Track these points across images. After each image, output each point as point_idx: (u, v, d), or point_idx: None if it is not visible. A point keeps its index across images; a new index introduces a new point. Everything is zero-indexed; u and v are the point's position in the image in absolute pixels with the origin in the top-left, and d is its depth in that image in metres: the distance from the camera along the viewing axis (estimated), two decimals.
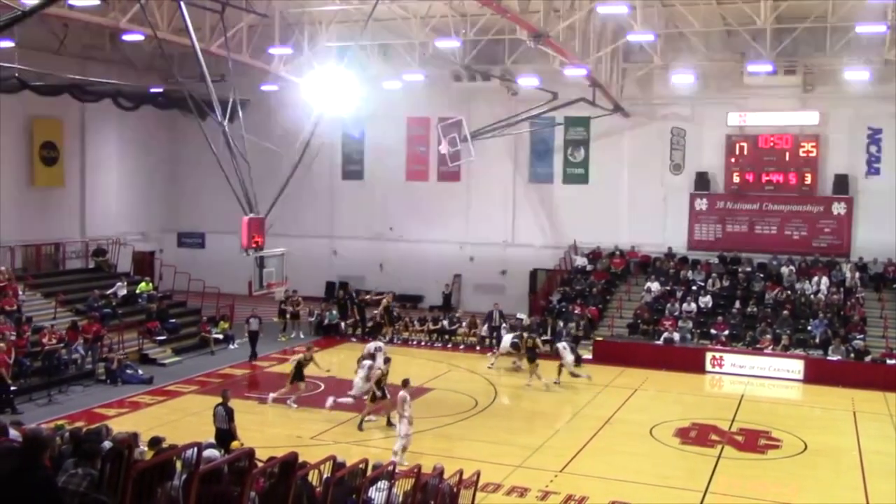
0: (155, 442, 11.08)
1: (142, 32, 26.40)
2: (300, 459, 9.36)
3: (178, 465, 7.65)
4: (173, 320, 29.57)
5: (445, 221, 37.91)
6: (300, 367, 22.11)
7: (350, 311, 32.80)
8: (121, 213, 37.68)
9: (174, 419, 20.28)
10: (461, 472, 13.49)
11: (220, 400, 16.68)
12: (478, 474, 14.30)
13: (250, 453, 7.82)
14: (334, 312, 32.52)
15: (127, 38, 27.72)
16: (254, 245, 19.44)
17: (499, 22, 29.04)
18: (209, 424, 16.28)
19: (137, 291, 30.76)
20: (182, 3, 19.08)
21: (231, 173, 19.24)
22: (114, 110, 33.24)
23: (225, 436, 15.49)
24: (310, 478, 9.19)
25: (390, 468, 11.13)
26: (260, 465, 8.61)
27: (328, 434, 18.92)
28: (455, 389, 23.95)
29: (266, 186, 21.59)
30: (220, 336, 29.66)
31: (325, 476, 9.90)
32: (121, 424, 17.39)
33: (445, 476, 12.84)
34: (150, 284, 31.97)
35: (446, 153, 33.71)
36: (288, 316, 31.81)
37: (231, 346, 29.40)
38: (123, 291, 30.02)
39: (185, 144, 38.28)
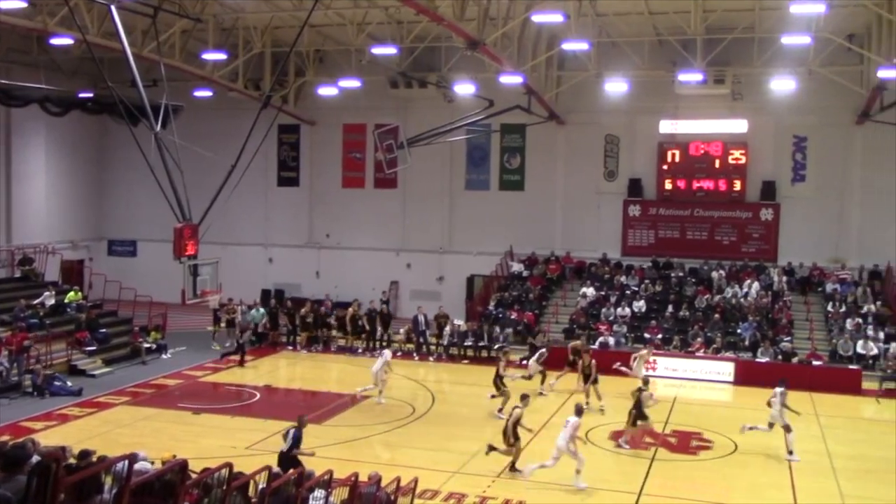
0: (84, 455, 10.80)
1: (71, 36, 25.82)
2: (235, 470, 9.26)
3: (109, 479, 7.48)
4: (103, 330, 28.85)
5: (382, 228, 37.90)
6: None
7: (283, 320, 32.34)
8: (49, 220, 36.76)
9: (104, 431, 19.80)
10: (399, 480, 13.46)
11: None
12: (415, 481, 14.29)
13: (183, 465, 7.70)
14: (260, 311, 31.81)
15: (55, 41, 27.03)
16: (187, 253, 19.15)
17: (435, 29, 29.16)
18: (141, 436, 16.00)
19: (66, 301, 29.95)
20: (113, 8, 18.73)
21: (163, 180, 18.93)
22: (41, 115, 32.34)
23: (283, 459, 15.16)
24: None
25: (326, 477, 11.05)
26: (194, 476, 8.48)
27: (263, 444, 18.68)
28: (392, 396, 23.89)
29: (199, 194, 21.33)
30: (153, 346, 29.08)
31: (260, 486, 9.81)
32: (48, 438, 16.95)
33: (383, 484, 12.79)
34: (80, 293, 31.16)
35: (383, 160, 33.69)
36: (223, 324, 31.35)
37: (164, 356, 28.85)
38: (51, 301, 29.19)
39: (116, 150, 37.61)
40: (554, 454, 16.58)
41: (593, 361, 23.67)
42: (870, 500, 16.43)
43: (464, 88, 32.50)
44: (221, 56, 30.60)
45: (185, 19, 26.69)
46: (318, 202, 39.00)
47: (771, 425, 19.26)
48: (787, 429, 18.73)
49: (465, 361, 29.32)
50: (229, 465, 8.92)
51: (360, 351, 30.31)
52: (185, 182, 19.42)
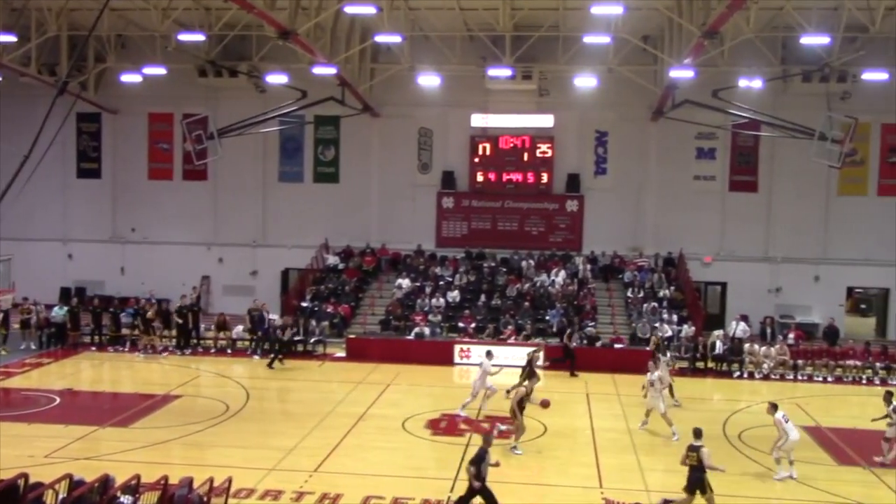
0: None
1: None
2: (32, 480, 8.69)
3: None
4: None
5: (192, 222, 36.71)
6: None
7: (85, 319, 30.59)
8: None
9: None
10: (211, 480, 13.07)
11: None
12: (229, 481, 13.91)
13: None
14: (63, 309, 29.90)
15: None
16: None
17: (245, 17, 28.48)
18: None
19: None
20: None
21: None
22: None
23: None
24: (45, 498, 8.54)
25: (133, 482, 10.57)
26: None
27: (64, 451, 17.62)
28: (204, 395, 23.18)
29: None
30: None
31: (61, 496, 9.26)
32: None
33: (195, 486, 12.39)
34: None
35: (191, 151, 32.52)
36: (17, 325, 29.23)
37: None
38: None
39: None
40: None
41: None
42: (664, 470, 17.55)
43: (276, 79, 31.95)
44: (11, 38, 28.52)
45: None
46: (122, 195, 37.21)
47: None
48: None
49: (281, 356, 28.81)
50: (24, 476, 8.35)
51: (169, 350, 29.11)
52: None
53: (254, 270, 36.67)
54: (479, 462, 13.99)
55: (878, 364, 27.03)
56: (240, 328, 30.03)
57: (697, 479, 14.36)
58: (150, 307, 29.71)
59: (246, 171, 36.33)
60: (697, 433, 15.13)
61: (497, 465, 14.80)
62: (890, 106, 32.22)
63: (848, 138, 28.67)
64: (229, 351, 29.18)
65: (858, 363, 27.33)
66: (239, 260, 36.65)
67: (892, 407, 16.97)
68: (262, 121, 32.96)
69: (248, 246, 36.73)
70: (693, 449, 14.63)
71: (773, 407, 17.23)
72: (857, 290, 37.59)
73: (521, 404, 18.50)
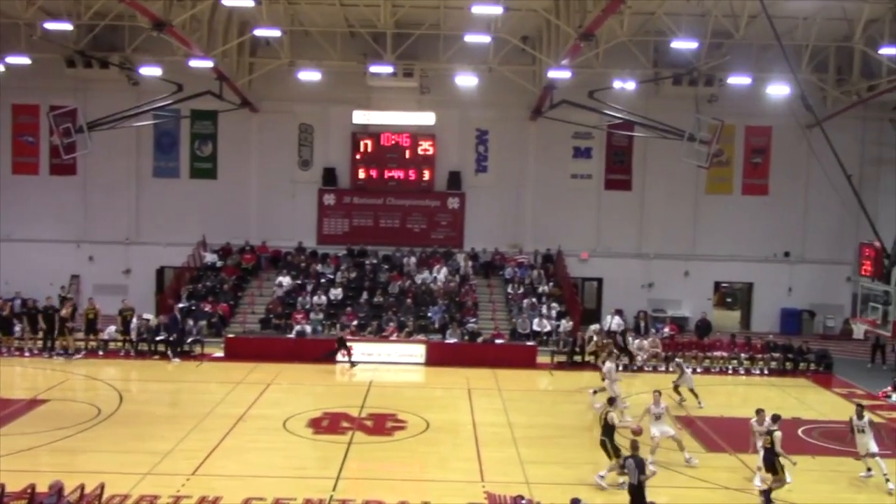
0: None
1: None
2: None
3: None
4: None
5: (60, 218, 35.18)
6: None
7: None
8: None
9: None
10: (83, 487, 12.58)
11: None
12: (102, 487, 13.42)
13: None
14: None
15: None
16: None
17: (117, 6, 27.47)
18: None
19: None
20: None
21: None
22: None
23: (635, 492, 13.91)
24: None
25: None
26: None
27: None
28: (74, 399, 22.26)
29: None
30: None
31: None
32: None
33: (66, 493, 11.89)
34: None
35: (59, 144, 31.12)
36: None
37: None
38: None
39: None
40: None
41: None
42: (544, 462, 17.96)
43: (150, 71, 30.96)
44: None
45: None
46: None
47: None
48: None
49: (157, 357, 27.96)
50: None
51: (34, 353, 27.78)
52: None
53: (127, 269, 35.42)
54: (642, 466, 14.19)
55: (742, 355, 28.38)
56: (112, 328, 28.95)
57: (769, 461, 15.56)
58: (68, 306, 28.45)
59: (118, 166, 35.03)
60: (775, 418, 16.49)
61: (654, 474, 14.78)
62: (753, 109, 33.93)
63: (715, 139, 29.97)
64: (100, 353, 28.07)
65: (725, 354, 28.66)
66: (111, 258, 35.31)
67: (865, 420, 17.15)
68: (136, 114, 31.91)
69: (121, 243, 35.45)
70: (769, 433, 15.83)
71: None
72: (724, 285, 39.36)
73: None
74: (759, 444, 16.37)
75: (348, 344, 27.41)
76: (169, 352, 27.84)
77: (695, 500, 15.99)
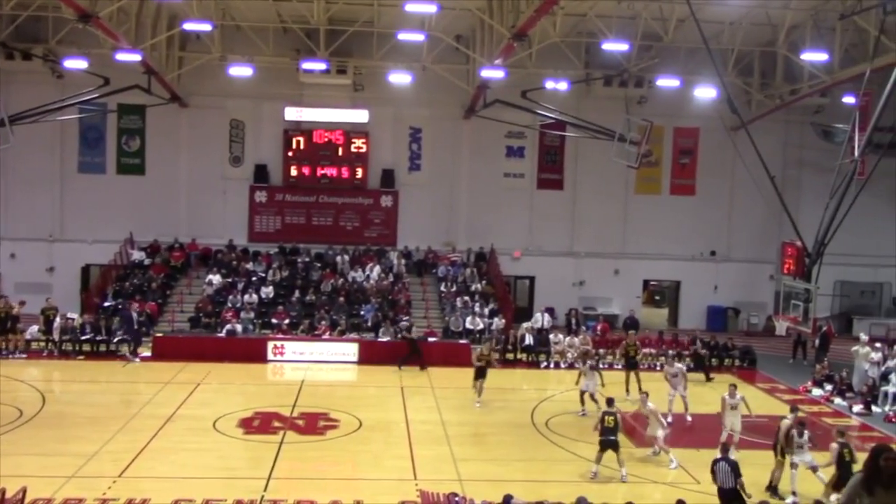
0: None
1: None
2: None
3: None
4: None
5: None
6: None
7: None
8: None
9: None
10: (3, 492, 12.22)
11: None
12: (23, 491, 13.04)
13: None
14: None
15: None
16: None
17: None
18: None
19: None
20: None
21: None
22: None
23: (731, 496, 13.91)
24: None
25: None
26: None
27: None
28: None
29: None
30: None
31: None
32: None
33: None
34: None
35: None
36: None
37: None
38: None
39: None
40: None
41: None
42: (476, 459, 18.09)
43: (75, 64, 30.15)
44: None
45: None
46: None
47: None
48: None
49: (81, 357, 27.29)
50: None
51: None
52: None
53: (50, 267, 34.47)
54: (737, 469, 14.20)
55: (670, 351, 28.91)
56: (34, 328, 28.15)
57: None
58: (19, 305, 27.83)
59: (41, 161, 34.04)
60: (793, 409, 17.24)
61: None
62: (681, 111, 34.64)
63: (644, 140, 30.44)
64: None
65: (653, 351, 29.20)
66: (33, 256, 34.28)
67: (805, 437, 17.18)
68: (60, 108, 30.99)
69: (44, 241, 34.47)
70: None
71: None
72: (653, 283, 40.11)
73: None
74: (727, 417, 17.91)
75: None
76: (127, 353, 27.27)
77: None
